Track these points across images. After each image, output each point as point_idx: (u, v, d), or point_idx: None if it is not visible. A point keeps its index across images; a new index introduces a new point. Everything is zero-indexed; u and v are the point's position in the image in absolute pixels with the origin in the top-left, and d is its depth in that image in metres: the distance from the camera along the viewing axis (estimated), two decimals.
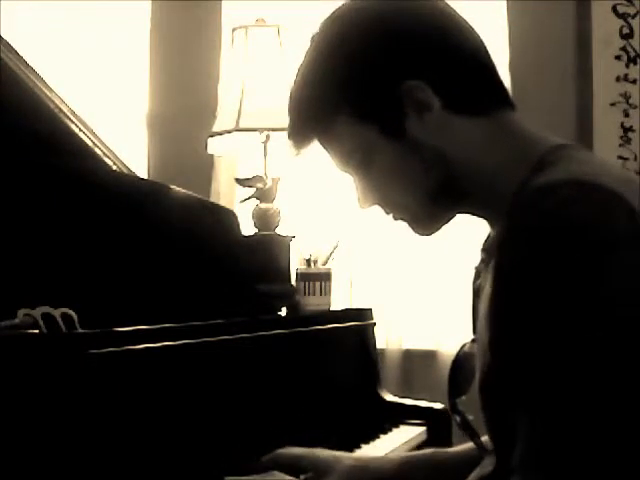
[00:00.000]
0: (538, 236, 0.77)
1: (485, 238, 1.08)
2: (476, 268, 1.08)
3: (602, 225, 0.77)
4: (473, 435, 1.07)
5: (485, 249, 1.03)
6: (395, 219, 1.02)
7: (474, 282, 1.07)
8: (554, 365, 0.75)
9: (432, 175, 0.96)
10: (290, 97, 1.02)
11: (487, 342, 0.85)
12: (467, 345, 1.10)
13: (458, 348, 1.12)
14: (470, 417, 1.08)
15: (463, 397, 1.09)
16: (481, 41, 0.99)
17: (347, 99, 0.96)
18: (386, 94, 0.94)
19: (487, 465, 1.01)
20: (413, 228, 1.02)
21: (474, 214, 1.01)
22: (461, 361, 1.10)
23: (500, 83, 1.00)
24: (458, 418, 1.10)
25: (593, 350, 0.74)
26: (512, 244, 0.80)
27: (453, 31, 0.98)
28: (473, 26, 1.01)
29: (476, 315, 1.04)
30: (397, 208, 1.01)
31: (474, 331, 1.06)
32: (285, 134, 1.04)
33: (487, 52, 0.99)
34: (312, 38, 1.02)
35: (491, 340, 0.84)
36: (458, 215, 1.02)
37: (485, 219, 1.01)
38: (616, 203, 0.78)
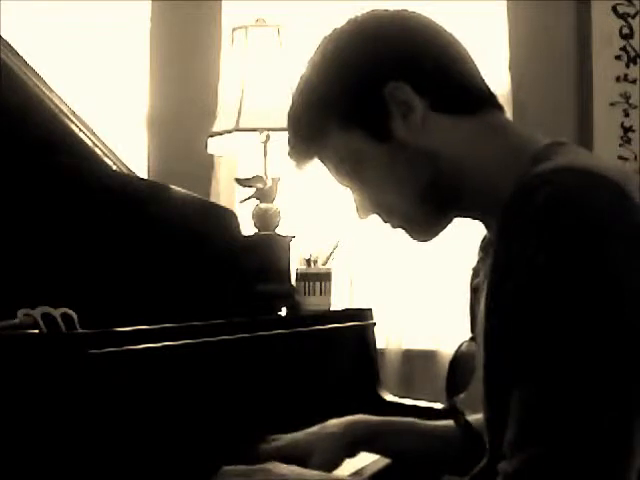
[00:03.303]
0: (535, 224, 0.79)
1: (482, 238, 1.09)
2: (473, 268, 1.08)
3: (598, 209, 0.78)
4: (472, 434, 1.08)
5: (482, 248, 1.04)
6: (393, 227, 1.04)
7: (472, 281, 1.07)
8: (551, 345, 0.76)
9: (421, 176, 0.97)
10: (287, 115, 1.05)
11: (488, 335, 0.85)
12: (465, 344, 1.11)
13: (456, 347, 1.13)
14: (469, 416, 1.09)
15: (461, 395, 1.10)
16: (463, 48, 1.02)
17: (333, 108, 0.99)
18: (369, 98, 0.97)
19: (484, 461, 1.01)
20: (410, 234, 1.03)
21: (470, 217, 1.02)
22: (459, 360, 1.11)
23: (485, 86, 1.02)
24: (457, 417, 1.11)
25: (588, 327, 0.75)
26: (510, 234, 0.81)
27: (433, 37, 1.00)
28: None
29: (474, 314, 1.05)
30: (392, 214, 1.02)
31: (472, 330, 1.07)
32: (285, 134, 1.06)
33: (470, 58, 1.02)
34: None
35: (487, 330, 0.84)
36: (456, 218, 1.03)
37: (481, 221, 1.02)
38: (613, 189, 0.79)
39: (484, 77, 1.02)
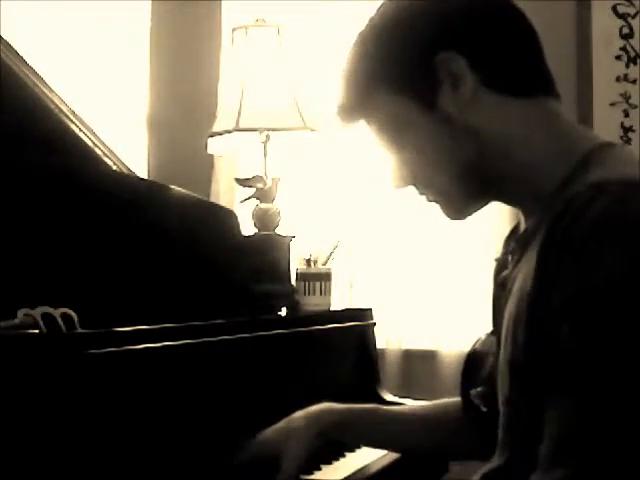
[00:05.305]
0: (589, 239, 0.77)
1: (511, 229, 1.07)
2: (499, 259, 1.05)
3: None
4: (484, 429, 1.04)
5: (518, 240, 0.98)
6: (429, 200, 1.01)
7: (497, 273, 1.04)
8: (602, 364, 0.75)
9: (463, 152, 0.94)
10: (340, 74, 1.02)
11: (523, 334, 0.84)
12: (483, 339, 1.08)
13: (475, 341, 1.10)
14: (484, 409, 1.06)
15: (478, 389, 1.08)
16: (530, 25, 0.98)
17: (382, 70, 0.97)
18: (420, 64, 0.94)
19: (494, 460, 0.99)
20: (445, 211, 1.00)
21: (507, 202, 1.00)
22: (476, 354, 1.08)
23: (546, 68, 0.99)
24: (471, 411, 1.08)
25: None
26: (561, 245, 0.79)
27: (497, 9, 0.97)
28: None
29: (497, 308, 1.02)
30: (429, 187, 0.99)
31: (494, 324, 1.04)
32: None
33: (535, 36, 0.98)
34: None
35: (526, 336, 0.83)
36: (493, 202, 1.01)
37: (518, 208, 0.99)
38: None
39: (547, 60, 0.98)
